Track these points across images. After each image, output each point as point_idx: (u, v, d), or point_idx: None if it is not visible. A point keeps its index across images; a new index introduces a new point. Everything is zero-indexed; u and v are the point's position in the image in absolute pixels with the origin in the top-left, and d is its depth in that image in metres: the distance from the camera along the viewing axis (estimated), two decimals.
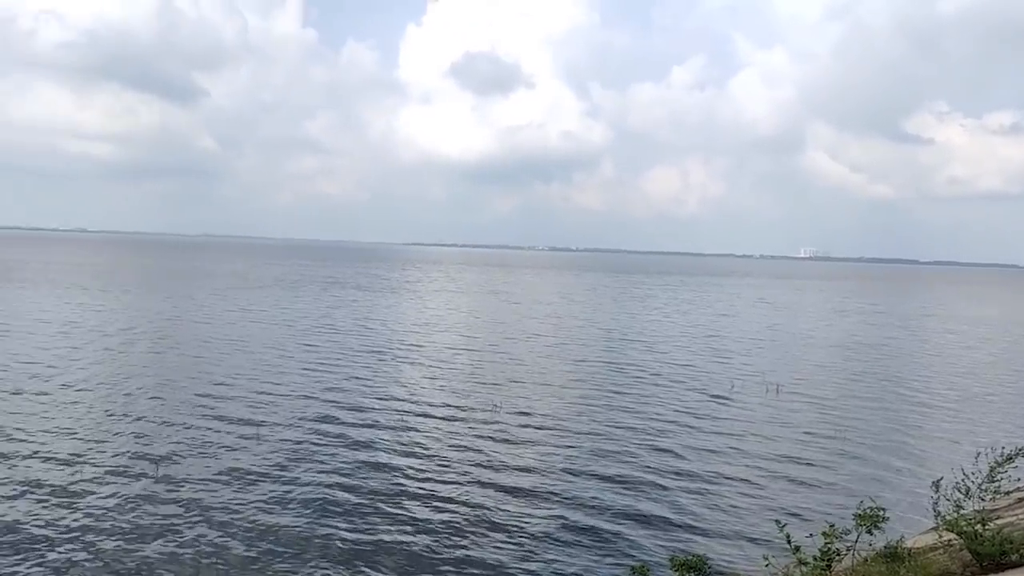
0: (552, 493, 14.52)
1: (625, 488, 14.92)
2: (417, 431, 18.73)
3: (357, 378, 25.32)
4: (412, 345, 34.25)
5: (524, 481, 15.16)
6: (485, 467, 15.99)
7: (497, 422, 19.79)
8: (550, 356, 32.30)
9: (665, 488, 14.99)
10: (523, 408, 21.54)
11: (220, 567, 10.93)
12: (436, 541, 12.13)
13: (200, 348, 30.47)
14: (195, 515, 12.69)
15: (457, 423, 19.70)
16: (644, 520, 13.29)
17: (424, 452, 16.94)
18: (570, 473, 15.76)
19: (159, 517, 12.54)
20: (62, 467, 14.80)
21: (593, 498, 14.28)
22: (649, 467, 16.32)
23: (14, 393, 20.87)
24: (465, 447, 17.43)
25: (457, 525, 12.81)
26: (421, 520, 12.96)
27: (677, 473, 15.99)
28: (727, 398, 24.21)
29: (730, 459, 17.26)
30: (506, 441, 18.04)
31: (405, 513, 13.25)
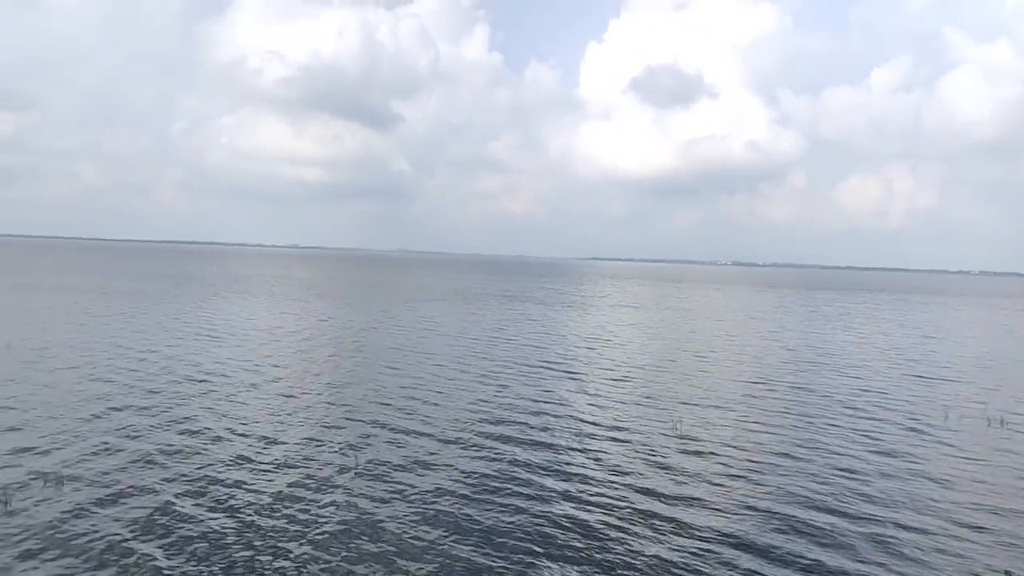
0: (722, 529, 13.60)
1: (806, 530, 13.63)
2: (587, 448, 18.45)
3: (530, 390, 25.57)
4: (585, 360, 34.10)
5: (694, 513, 14.35)
6: (654, 495, 15.35)
7: (671, 446, 19.01)
8: (731, 377, 30.67)
9: (853, 533, 13.50)
10: (699, 433, 20.54)
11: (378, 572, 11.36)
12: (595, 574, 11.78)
13: (389, 356, 32.42)
14: (364, 518, 13.33)
15: (629, 443, 19.18)
16: (824, 571, 12.02)
17: (593, 471, 16.62)
18: (746, 507, 14.69)
19: (338, 517, 13.35)
20: (263, 461, 16.27)
21: (768, 538, 13.18)
22: (836, 509, 14.81)
23: (229, 394, 23.38)
24: (636, 470, 16.88)
25: (624, 560, 12.35)
26: (581, 548, 12.66)
27: (867, 518, 14.35)
28: (931, 433, 21.48)
29: (933, 503, 15.21)
30: (680, 468, 17.24)
31: (567, 538, 13.02)
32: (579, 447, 18.66)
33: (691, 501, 14.91)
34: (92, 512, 13.10)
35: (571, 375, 29.71)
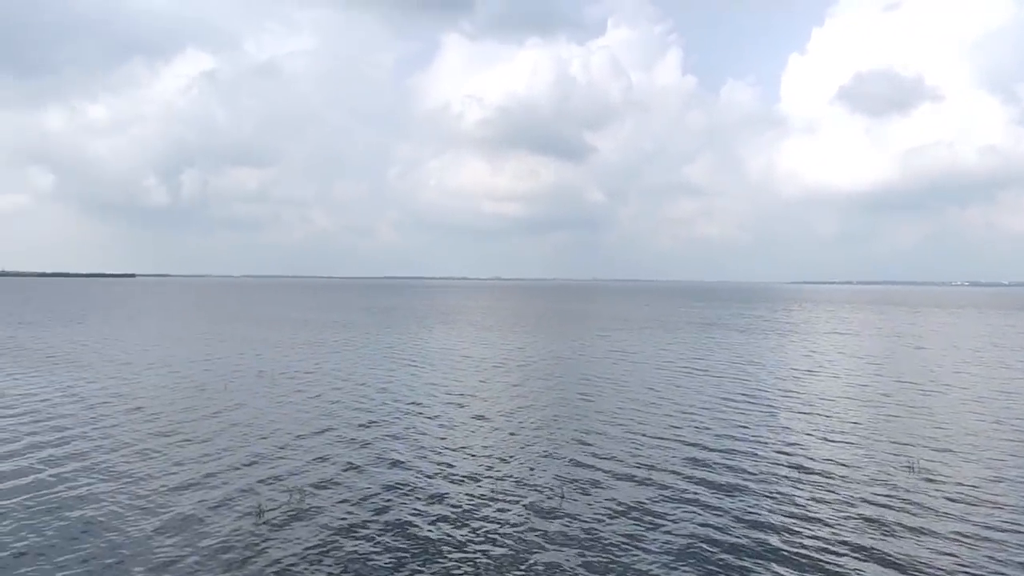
0: None
1: None
2: (799, 494, 16.81)
3: (731, 426, 24.01)
4: (796, 392, 31.51)
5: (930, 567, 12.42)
6: (886, 561, 13.55)
7: (900, 496, 16.79)
8: (974, 412, 26.69)
9: None
10: (939, 474, 17.98)
11: None
12: None
13: (580, 386, 32.29)
14: (568, 545, 13.07)
15: (851, 483, 17.24)
16: None
17: (809, 512, 15.06)
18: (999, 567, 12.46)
19: (535, 542, 13.24)
20: (463, 484, 16.71)
21: None
22: None
23: (430, 419, 24.51)
24: (860, 512, 15.06)
25: None
26: None
27: None
28: None
29: None
30: (917, 527, 15.13)
31: None
32: (790, 492, 17.04)
33: (931, 567, 12.94)
34: (324, 526, 14.16)
35: (778, 409, 27.54)
